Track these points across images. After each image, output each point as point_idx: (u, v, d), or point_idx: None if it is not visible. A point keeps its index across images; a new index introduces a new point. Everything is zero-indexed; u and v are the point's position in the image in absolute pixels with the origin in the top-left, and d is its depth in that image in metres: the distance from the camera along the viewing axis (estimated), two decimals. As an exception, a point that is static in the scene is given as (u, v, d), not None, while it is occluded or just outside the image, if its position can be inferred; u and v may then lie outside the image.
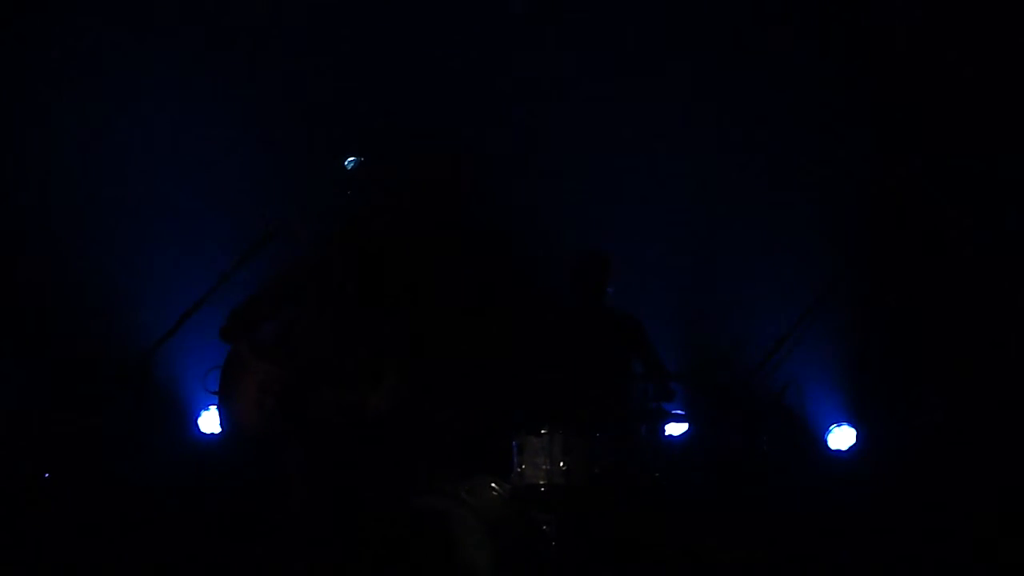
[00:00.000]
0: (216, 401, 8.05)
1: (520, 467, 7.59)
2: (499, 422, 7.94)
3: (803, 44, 10.08)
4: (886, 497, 9.00)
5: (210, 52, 10.14)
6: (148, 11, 10.04)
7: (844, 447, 9.97)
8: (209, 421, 9.90)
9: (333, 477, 7.37)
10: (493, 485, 7.61)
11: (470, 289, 9.34)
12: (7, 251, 9.94)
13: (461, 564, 7.20)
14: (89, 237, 9.90)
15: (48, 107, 10.04)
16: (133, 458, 9.03)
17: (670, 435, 9.37)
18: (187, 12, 10.08)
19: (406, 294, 7.76)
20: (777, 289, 9.51)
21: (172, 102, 10.12)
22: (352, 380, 7.39)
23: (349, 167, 9.22)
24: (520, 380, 8.32)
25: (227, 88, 10.06)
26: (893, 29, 9.94)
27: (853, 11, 9.94)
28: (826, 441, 9.94)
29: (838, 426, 9.88)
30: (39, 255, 9.93)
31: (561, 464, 7.51)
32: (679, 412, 8.54)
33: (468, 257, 9.82)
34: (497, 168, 10.09)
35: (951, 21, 9.76)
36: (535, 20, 10.07)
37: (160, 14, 10.05)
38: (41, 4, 10.03)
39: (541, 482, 7.49)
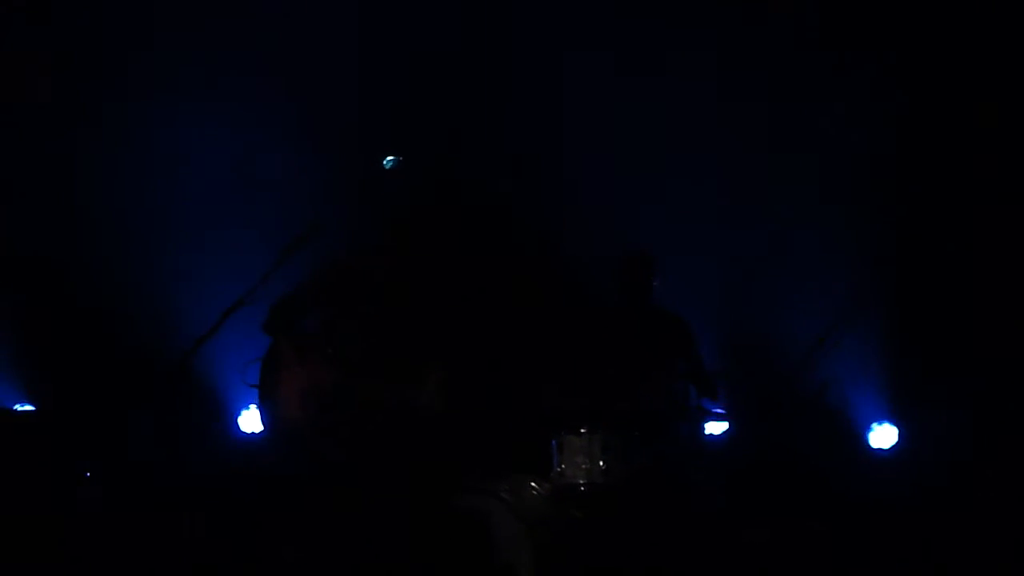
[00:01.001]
0: (256, 398, 8.21)
1: (560, 466, 7.58)
2: (540, 421, 7.87)
3: (837, 50, 10.01)
4: (929, 496, 8.92)
5: (243, 56, 10.06)
6: (180, 18, 9.96)
7: (886, 446, 9.85)
8: (250, 420, 9.95)
9: (375, 476, 7.33)
10: (533, 484, 7.51)
11: (514, 289, 9.30)
12: (53, 252, 10.01)
13: (501, 563, 7.13)
14: (132, 237, 9.99)
15: (92, 110, 10.05)
16: (175, 456, 9.20)
17: (711, 434, 9.37)
18: (224, 22, 9.99)
19: (451, 294, 7.74)
20: (817, 288, 9.47)
21: (210, 106, 10.09)
22: (397, 378, 7.35)
23: (388, 166, 9.34)
24: (562, 379, 8.17)
25: (266, 89, 10.03)
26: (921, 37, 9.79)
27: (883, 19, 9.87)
28: (868, 440, 9.91)
29: (879, 424, 9.84)
30: (84, 256, 10.00)
31: (601, 463, 7.51)
32: (720, 411, 8.62)
33: (513, 258, 9.78)
34: (540, 171, 10.11)
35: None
36: (567, 23, 10.01)
37: (192, 23, 9.97)
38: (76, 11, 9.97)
39: (581, 481, 7.48)
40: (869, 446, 9.91)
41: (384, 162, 9.27)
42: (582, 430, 7.57)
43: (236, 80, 10.11)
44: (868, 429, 9.90)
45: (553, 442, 7.63)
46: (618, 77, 10.13)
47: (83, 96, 10.07)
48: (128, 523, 8.25)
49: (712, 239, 10.16)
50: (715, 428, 9.37)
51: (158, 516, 8.42)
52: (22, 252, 10.03)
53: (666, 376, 8.33)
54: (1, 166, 10.11)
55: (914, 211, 9.94)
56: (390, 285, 7.64)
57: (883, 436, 9.89)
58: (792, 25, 10.07)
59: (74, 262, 10.06)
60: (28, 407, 10.06)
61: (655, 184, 10.12)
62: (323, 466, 7.45)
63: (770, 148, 10.23)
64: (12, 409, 9.92)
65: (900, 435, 9.87)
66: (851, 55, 10.07)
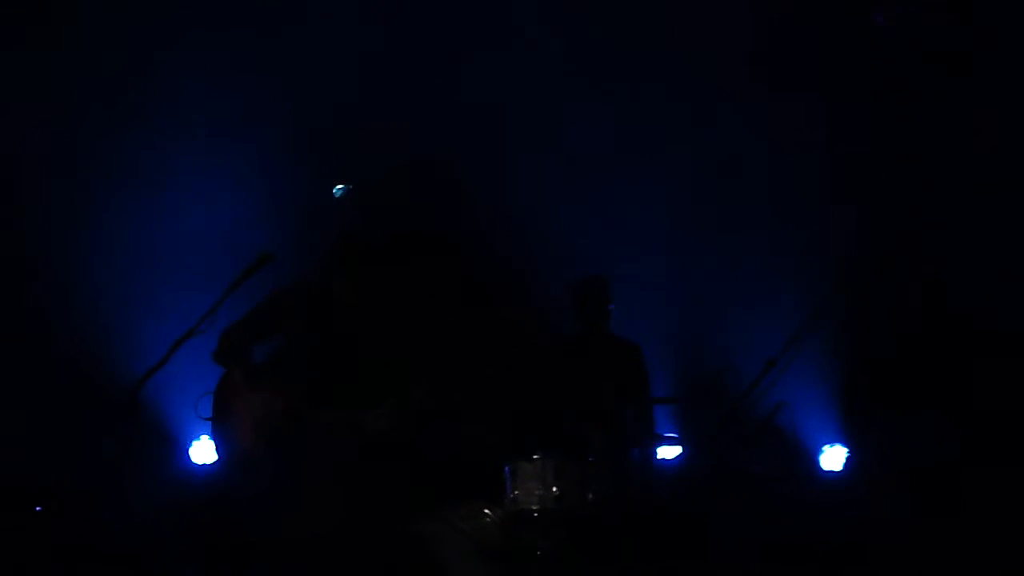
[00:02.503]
0: (209, 429, 8.10)
1: (513, 492, 7.51)
2: (493, 447, 7.88)
3: (800, 70, 10.20)
4: (877, 515, 9.00)
5: (204, 83, 10.15)
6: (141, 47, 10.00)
7: (836, 467, 9.98)
8: (201, 451, 9.92)
9: (328, 501, 7.26)
10: (486, 510, 7.45)
11: (467, 315, 9.19)
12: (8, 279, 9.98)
13: None
14: (81, 266, 9.94)
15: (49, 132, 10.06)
16: (126, 487, 9.11)
17: (663, 459, 9.39)
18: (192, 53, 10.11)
19: (402, 321, 7.73)
20: (768, 313, 9.40)
21: (162, 132, 10.16)
22: (347, 404, 7.30)
23: (338, 195, 9.31)
24: (515, 406, 8.21)
25: (216, 117, 10.12)
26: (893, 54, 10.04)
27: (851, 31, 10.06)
28: (818, 461, 10.07)
29: (830, 446, 9.98)
30: (37, 284, 9.99)
31: (554, 489, 7.45)
32: (672, 436, 8.96)
33: (467, 285, 9.84)
34: (495, 198, 10.15)
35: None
36: (533, 54, 10.18)
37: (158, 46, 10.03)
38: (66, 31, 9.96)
39: (534, 507, 7.41)
40: (820, 467, 10.07)
41: (334, 191, 9.38)
42: (535, 456, 7.52)
43: (197, 114, 10.18)
44: (819, 451, 10.08)
45: (507, 468, 7.58)
46: (569, 104, 10.28)
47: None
48: (82, 555, 8.33)
49: (665, 268, 10.29)
50: (668, 453, 9.36)
51: (113, 545, 8.46)
52: None
53: (620, 402, 8.40)
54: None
55: (860, 238, 10.00)
56: (340, 313, 7.62)
57: (834, 457, 10.02)
58: (737, 52, 10.17)
59: (28, 287, 10.00)
60: None
61: (610, 212, 10.26)
62: (276, 493, 7.35)
63: (720, 175, 10.41)
64: None
65: (848, 456, 9.98)
66: (794, 81, 10.21)
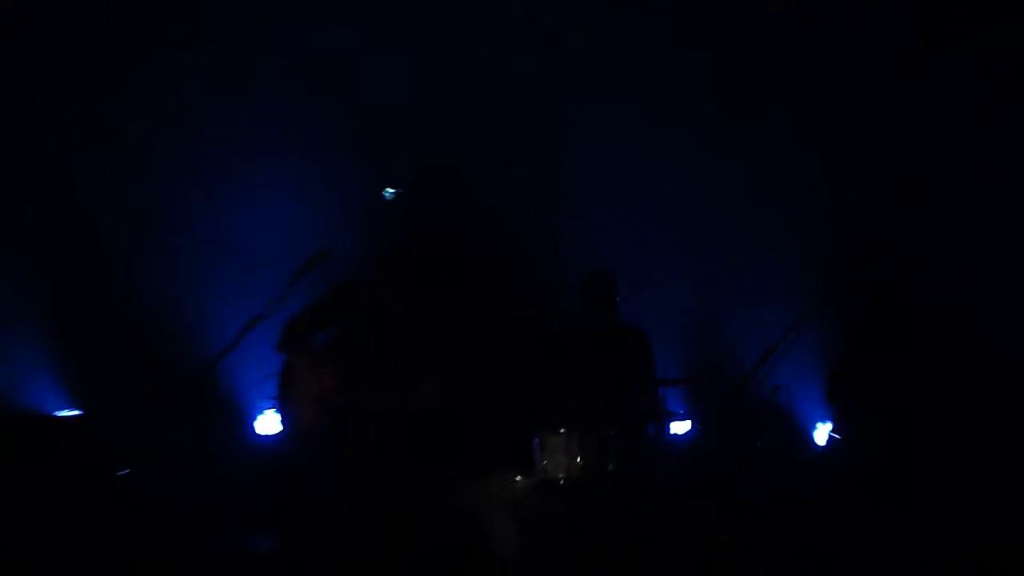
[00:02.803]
0: (273, 405, 8.22)
1: (542, 462, 7.55)
2: (523, 423, 7.83)
3: (802, 71, 9.93)
4: (858, 482, 8.62)
5: (268, 89, 10.00)
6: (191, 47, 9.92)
7: (826, 443, 9.85)
8: (264, 424, 9.90)
9: (377, 472, 7.33)
10: (518, 478, 7.51)
11: (497, 307, 9.15)
12: (96, 271, 9.90)
13: (492, 549, 7.05)
14: (162, 263, 9.92)
15: (124, 138, 9.90)
16: (200, 456, 9.18)
17: (675, 433, 9.40)
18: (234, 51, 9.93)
19: (442, 312, 7.74)
20: (768, 305, 9.25)
21: (239, 140, 9.99)
22: (394, 385, 7.37)
23: (388, 197, 9.30)
24: (542, 387, 8.22)
25: (283, 126, 9.99)
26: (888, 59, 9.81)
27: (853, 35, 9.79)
28: (813, 437, 9.93)
29: (823, 423, 9.84)
30: (123, 276, 9.91)
31: (578, 459, 7.50)
32: (682, 413, 8.93)
33: (495, 280, 9.59)
34: (517, 201, 10.01)
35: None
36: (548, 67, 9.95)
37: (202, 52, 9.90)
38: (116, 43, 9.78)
39: (561, 475, 7.48)
40: (814, 442, 9.93)
41: (384, 193, 9.35)
42: (562, 430, 7.55)
43: (263, 118, 10.01)
44: (813, 428, 9.91)
45: (535, 441, 7.58)
46: (579, 116, 10.06)
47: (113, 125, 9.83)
48: (163, 515, 8.23)
49: (677, 260, 10.13)
50: (679, 428, 9.39)
51: (189, 508, 8.41)
52: (67, 273, 9.88)
53: (630, 383, 8.33)
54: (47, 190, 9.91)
55: (851, 242, 9.55)
56: (389, 305, 7.64)
57: (825, 433, 9.85)
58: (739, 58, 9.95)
59: (115, 281, 9.93)
60: (73, 412, 9.86)
61: (625, 213, 10.11)
62: (332, 464, 7.42)
63: (725, 178, 10.17)
64: (55, 415, 9.75)
65: (832, 433, 9.70)
66: (801, 85, 9.93)
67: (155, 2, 9.76)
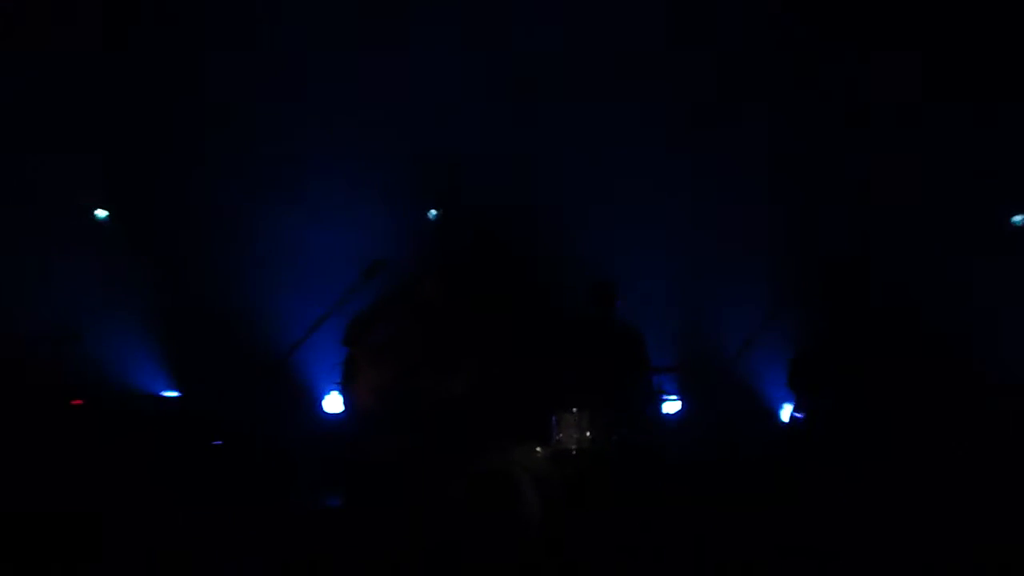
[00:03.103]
0: (337, 389, 8.42)
1: (558, 435, 7.68)
2: (543, 404, 7.84)
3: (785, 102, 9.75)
4: (817, 453, 8.46)
5: (336, 125, 9.85)
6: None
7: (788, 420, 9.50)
8: (330, 404, 9.83)
9: (425, 444, 7.38)
10: (538, 449, 7.56)
11: (522, 309, 8.99)
12: (192, 278, 9.94)
13: (519, 505, 6.91)
14: (249, 271, 9.91)
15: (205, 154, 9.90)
16: (279, 432, 9.08)
17: (666, 412, 9.35)
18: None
19: (477, 313, 7.84)
20: (744, 305, 9.10)
21: (313, 172, 10.00)
22: (437, 374, 7.45)
23: (432, 218, 9.43)
24: (558, 373, 8.15)
25: (350, 161, 9.93)
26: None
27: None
28: (779, 415, 9.84)
29: (787, 404, 9.44)
30: (215, 282, 9.90)
31: (588, 434, 7.62)
32: (674, 395, 8.83)
33: (520, 287, 9.58)
34: (537, 216, 9.95)
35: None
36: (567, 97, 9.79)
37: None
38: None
39: (573, 447, 7.60)
40: (780, 419, 9.85)
41: (429, 215, 9.56)
42: (574, 409, 7.67)
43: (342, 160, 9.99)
44: (780, 407, 9.80)
45: (553, 418, 7.71)
46: (599, 139, 9.92)
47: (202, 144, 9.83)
48: (246, 481, 8.24)
49: (669, 269, 10.01)
50: (670, 407, 9.29)
51: (270, 475, 8.41)
52: (171, 279, 9.94)
53: (633, 371, 8.39)
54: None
55: (815, 249, 9.76)
56: (432, 307, 7.72)
57: (788, 412, 9.45)
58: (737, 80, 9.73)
59: (210, 286, 9.92)
60: (174, 393, 10.06)
61: (627, 231, 9.95)
62: (389, 439, 7.50)
63: (709, 198, 10.03)
64: (160, 395, 9.91)
65: (797, 413, 9.19)
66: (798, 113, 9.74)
67: (232, 38, 9.56)
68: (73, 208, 9.75)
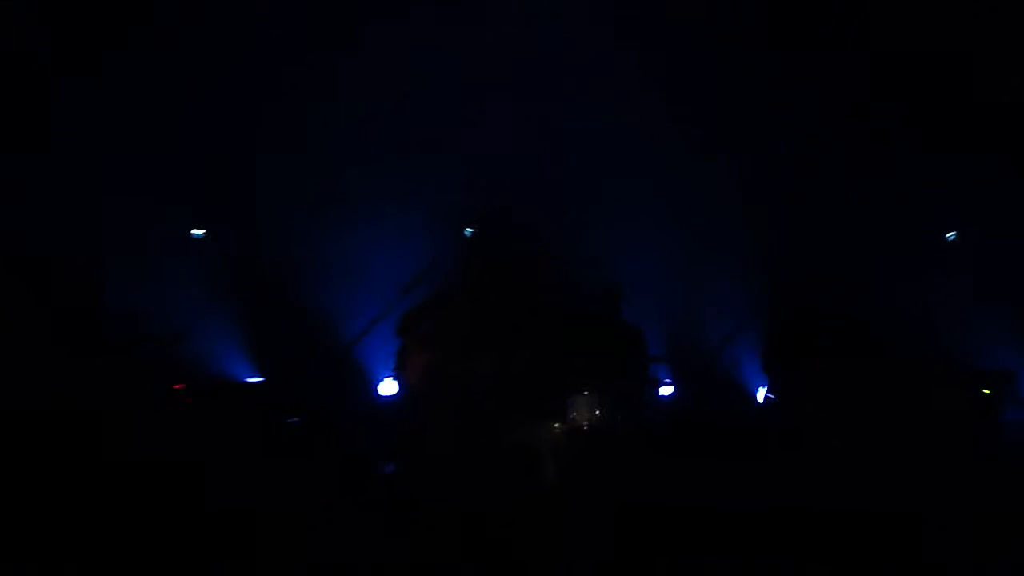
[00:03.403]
0: (391, 375, 8.39)
1: (572, 414, 7.79)
2: (559, 388, 7.93)
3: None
4: (786, 427, 8.80)
5: (387, 153, 9.61)
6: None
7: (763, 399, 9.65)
8: (386, 387, 9.46)
9: (466, 420, 7.69)
10: (556, 425, 7.74)
11: (540, 307, 8.94)
12: (273, 280, 9.67)
13: (541, 471, 7.35)
14: (320, 275, 9.61)
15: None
16: (344, 410, 9.03)
17: (663, 395, 9.35)
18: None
19: (504, 310, 8.15)
20: (725, 307, 9.40)
21: (378, 191, 9.68)
22: (473, 358, 7.82)
23: (468, 234, 9.58)
24: (572, 362, 8.22)
25: (401, 184, 9.70)
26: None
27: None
28: (756, 396, 9.76)
29: (762, 387, 9.59)
30: (293, 284, 9.66)
31: (597, 412, 7.76)
32: (668, 380, 8.91)
33: (540, 287, 9.38)
34: (552, 238, 9.79)
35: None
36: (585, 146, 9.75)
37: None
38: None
39: (585, 424, 7.73)
40: (756, 399, 9.77)
41: (466, 231, 9.69)
42: (585, 392, 7.80)
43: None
44: (755, 390, 9.72)
45: (568, 400, 7.80)
46: (605, 171, 9.92)
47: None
48: (324, 447, 8.29)
49: (661, 278, 9.85)
50: (665, 391, 9.29)
51: (340, 443, 8.38)
52: (254, 282, 9.68)
53: (634, 360, 8.52)
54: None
55: (791, 258, 9.68)
56: (468, 306, 8.08)
57: (763, 394, 9.61)
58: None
59: (288, 288, 9.66)
60: (257, 379, 9.77)
61: (628, 244, 9.83)
62: (433, 413, 7.84)
63: (699, 214, 9.97)
64: (245, 380, 9.63)
65: (769, 395, 9.38)
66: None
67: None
68: (176, 227, 9.58)
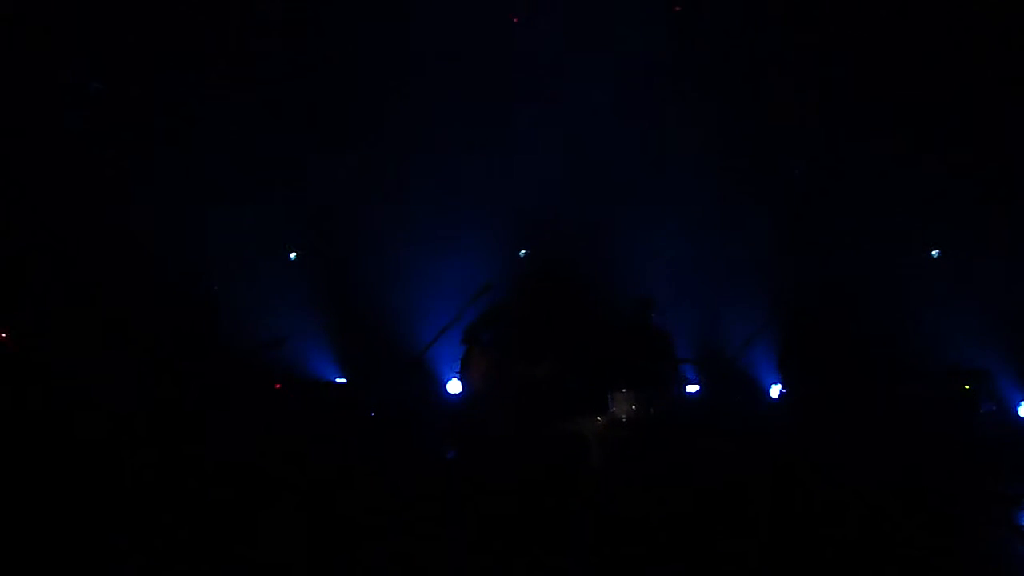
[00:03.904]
0: (458, 376, 8.38)
1: (612, 408, 7.76)
2: (601, 386, 7.91)
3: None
4: (798, 423, 8.86)
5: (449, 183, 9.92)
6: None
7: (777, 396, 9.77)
8: (452, 387, 9.81)
9: (522, 414, 7.55)
10: (599, 418, 7.71)
11: (589, 316, 9.12)
12: (357, 296, 9.92)
13: (587, 458, 7.25)
14: (397, 293, 9.97)
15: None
16: (416, 407, 9.12)
17: (689, 392, 9.30)
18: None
19: (553, 321, 8.01)
20: (746, 315, 9.23)
21: (442, 218, 10.00)
22: (528, 361, 7.60)
23: (522, 256, 9.59)
24: (612, 364, 8.27)
25: (468, 213, 10.01)
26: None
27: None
28: (769, 393, 9.77)
29: (775, 384, 9.64)
30: (376, 300, 9.94)
31: (634, 407, 7.70)
32: (694, 379, 8.87)
33: (584, 304, 9.52)
34: (596, 252, 9.93)
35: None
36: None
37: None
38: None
39: (624, 416, 7.69)
40: (770, 396, 9.77)
41: (520, 254, 9.70)
42: (624, 389, 7.76)
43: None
44: (769, 387, 9.72)
45: (608, 395, 7.78)
46: (631, 202, 9.91)
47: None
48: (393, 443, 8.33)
49: (689, 290, 9.92)
50: (691, 388, 9.26)
51: (412, 438, 8.46)
52: (340, 296, 9.94)
53: (661, 363, 8.55)
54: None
55: (801, 275, 9.68)
56: (524, 318, 7.90)
57: (776, 391, 9.72)
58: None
59: (370, 302, 9.91)
60: (342, 379, 10.08)
61: (659, 258, 9.93)
62: (493, 409, 7.67)
63: (716, 228, 10.03)
64: (333, 381, 9.97)
65: (784, 391, 9.62)
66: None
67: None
68: (279, 251, 9.86)
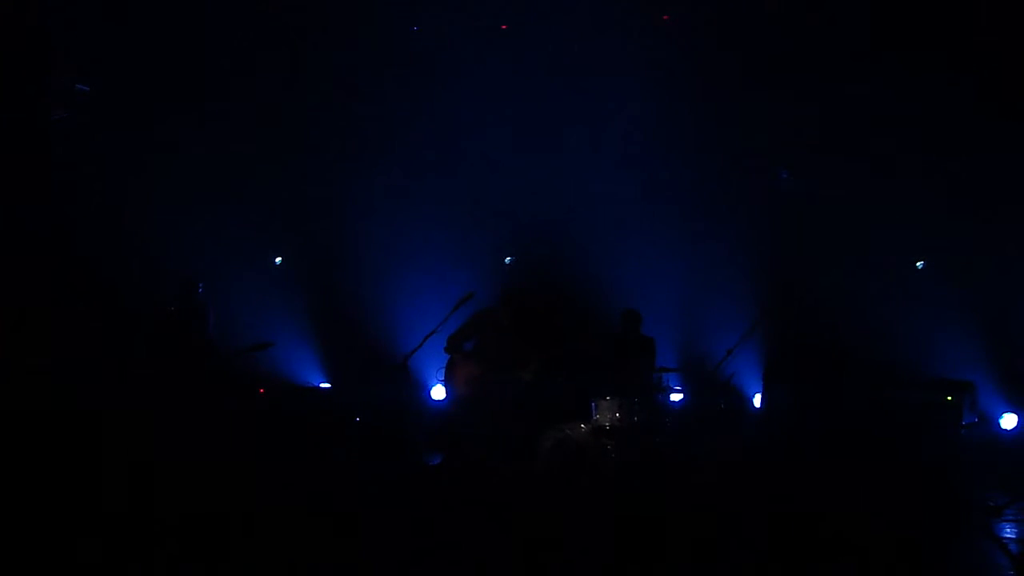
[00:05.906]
0: (441, 382, 8.33)
1: (596, 415, 7.70)
2: (585, 393, 7.84)
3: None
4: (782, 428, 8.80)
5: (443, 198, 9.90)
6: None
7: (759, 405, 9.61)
8: (436, 393, 9.80)
9: (503, 418, 7.71)
10: (582, 425, 7.68)
11: (569, 325, 9.04)
12: (344, 307, 9.91)
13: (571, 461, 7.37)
14: (384, 302, 9.95)
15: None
16: (400, 413, 8.84)
17: (672, 400, 9.00)
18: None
19: (536, 328, 8.07)
20: (729, 320, 9.01)
21: (425, 229, 9.98)
22: (511, 368, 7.78)
23: (508, 262, 9.60)
24: (596, 372, 8.19)
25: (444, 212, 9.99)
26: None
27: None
28: (753, 401, 9.70)
29: (758, 393, 9.56)
30: (358, 306, 9.93)
31: (617, 415, 7.65)
32: (678, 387, 8.78)
33: (568, 310, 9.58)
34: (578, 261, 9.87)
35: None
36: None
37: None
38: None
39: (607, 424, 7.64)
40: (754, 405, 9.71)
41: (506, 260, 9.71)
42: (607, 397, 7.71)
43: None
44: (752, 396, 9.68)
45: (592, 403, 7.73)
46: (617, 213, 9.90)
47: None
48: (379, 446, 8.24)
49: (672, 299, 9.86)
50: (674, 397, 8.97)
51: (393, 441, 8.39)
52: (325, 305, 9.95)
53: (645, 370, 8.51)
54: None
55: (785, 282, 9.59)
56: (506, 324, 8.02)
57: (759, 400, 9.58)
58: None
59: (354, 310, 9.92)
60: (326, 384, 10.12)
61: (643, 267, 9.84)
62: (476, 415, 7.83)
63: (701, 240, 9.99)
64: (317, 386, 10.01)
65: (766, 401, 9.44)
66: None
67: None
68: (264, 259, 9.83)
